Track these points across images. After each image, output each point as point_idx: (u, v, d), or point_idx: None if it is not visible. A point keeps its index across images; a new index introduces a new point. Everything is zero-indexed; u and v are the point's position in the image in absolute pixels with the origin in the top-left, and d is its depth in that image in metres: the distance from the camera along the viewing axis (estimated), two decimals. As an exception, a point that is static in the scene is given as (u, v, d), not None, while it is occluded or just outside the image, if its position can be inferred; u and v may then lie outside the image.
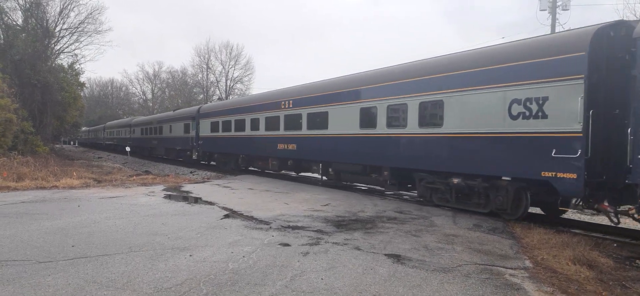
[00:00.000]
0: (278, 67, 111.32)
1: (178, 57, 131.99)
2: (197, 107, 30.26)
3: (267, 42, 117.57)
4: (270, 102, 18.92)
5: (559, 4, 25.11)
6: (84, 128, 76.58)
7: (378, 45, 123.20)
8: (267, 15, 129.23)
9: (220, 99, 27.67)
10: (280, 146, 17.80)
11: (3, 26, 29.47)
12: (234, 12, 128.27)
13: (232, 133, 22.29)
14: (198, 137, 26.81)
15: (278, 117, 17.99)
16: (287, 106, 17.48)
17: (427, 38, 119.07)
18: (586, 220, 10.82)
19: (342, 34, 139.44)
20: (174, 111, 36.91)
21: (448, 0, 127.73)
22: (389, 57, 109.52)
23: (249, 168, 23.23)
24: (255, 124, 20.01)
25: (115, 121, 61.73)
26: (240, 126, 21.47)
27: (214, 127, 24.58)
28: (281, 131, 17.77)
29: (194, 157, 28.03)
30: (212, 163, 27.46)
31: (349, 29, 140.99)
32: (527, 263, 6.49)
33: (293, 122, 17.02)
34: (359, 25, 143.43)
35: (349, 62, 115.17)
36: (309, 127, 16.07)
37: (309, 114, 16.18)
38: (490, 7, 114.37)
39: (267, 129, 18.86)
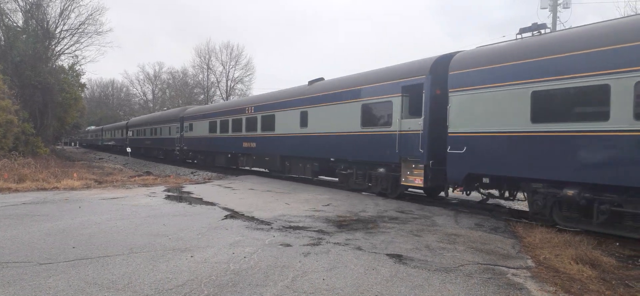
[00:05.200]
0: (272, 67, 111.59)
1: (175, 57, 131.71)
2: (429, 60, 11.89)
3: (260, 42, 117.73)
4: None
5: (559, 2, 25.06)
6: (91, 127, 74.70)
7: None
8: (257, 13, 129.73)
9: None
10: None
11: (3, 28, 29.46)
12: (227, 10, 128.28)
13: None
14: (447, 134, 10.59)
15: None
16: None
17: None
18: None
19: (334, 31, 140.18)
20: (309, 83, 17.84)
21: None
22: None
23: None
24: None
25: (150, 115, 44.87)
26: None
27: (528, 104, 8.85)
28: None
29: (416, 183, 11.89)
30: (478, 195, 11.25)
31: (345, 26, 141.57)
32: (530, 262, 6.47)
33: None
34: (353, 21, 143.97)
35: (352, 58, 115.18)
36: None
37: None
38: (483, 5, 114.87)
39: None
